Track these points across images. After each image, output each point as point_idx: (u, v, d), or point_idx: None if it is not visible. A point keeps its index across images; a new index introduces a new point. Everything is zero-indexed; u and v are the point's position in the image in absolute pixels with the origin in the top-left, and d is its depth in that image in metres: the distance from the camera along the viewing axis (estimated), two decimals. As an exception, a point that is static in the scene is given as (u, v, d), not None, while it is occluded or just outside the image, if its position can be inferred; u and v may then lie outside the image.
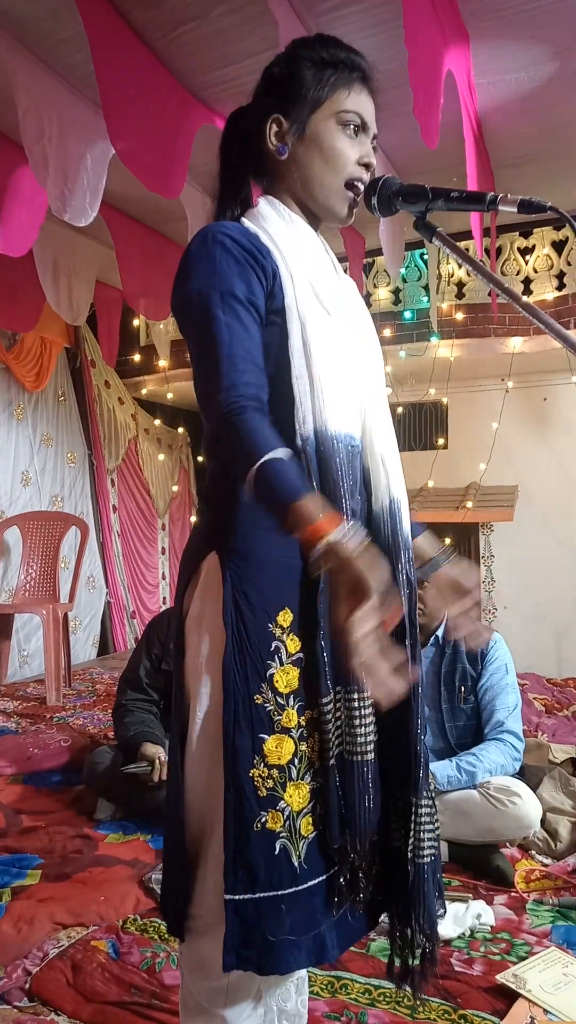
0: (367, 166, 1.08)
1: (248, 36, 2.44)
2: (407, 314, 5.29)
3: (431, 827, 1.05)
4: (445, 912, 1.10)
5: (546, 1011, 1.51)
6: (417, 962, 1.07)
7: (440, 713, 2.45)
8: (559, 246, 4.96)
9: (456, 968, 1.68)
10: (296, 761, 0.97)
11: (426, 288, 5.11)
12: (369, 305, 5.33)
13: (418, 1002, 1.46)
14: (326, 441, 0.98)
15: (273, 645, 0.98)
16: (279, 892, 0.95)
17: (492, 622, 5.60)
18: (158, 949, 1.74)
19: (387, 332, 5.30)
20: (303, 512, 0.83)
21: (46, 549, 4.74)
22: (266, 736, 0.96)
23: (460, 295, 5.18)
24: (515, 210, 1.03)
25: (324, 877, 0.99)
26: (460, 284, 5.19)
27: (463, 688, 2.45)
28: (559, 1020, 1.49)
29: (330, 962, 1.07)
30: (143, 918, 1.88)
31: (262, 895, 0.94)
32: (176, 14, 2.34)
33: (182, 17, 2.36)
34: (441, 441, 5.97)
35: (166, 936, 1.80)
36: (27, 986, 1.59)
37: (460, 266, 5.19)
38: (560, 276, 4.95)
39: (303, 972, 1.24)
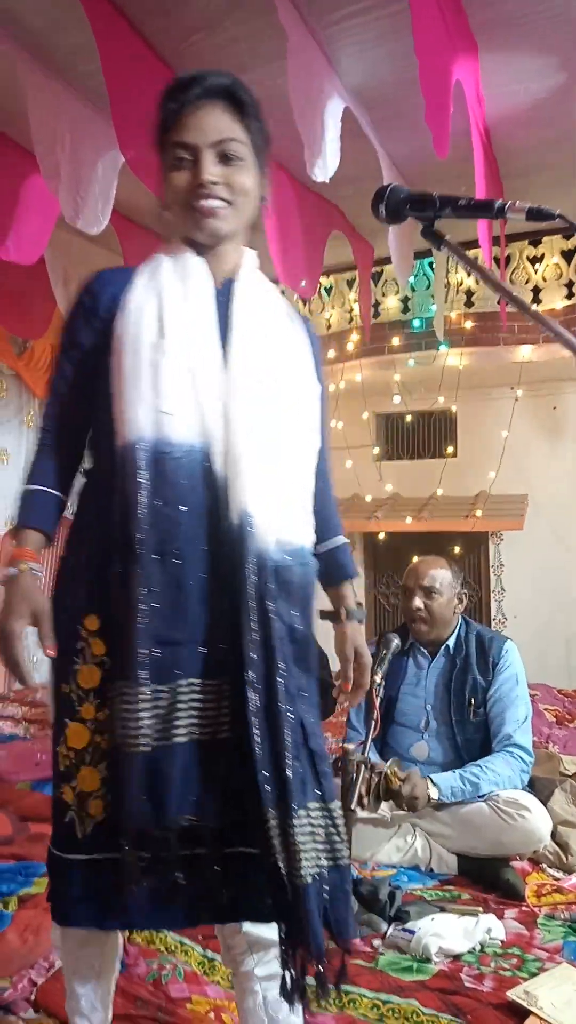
0: (201, 184, 1.11)
1: (258, 46, 2.45)
2: (416, 322, 5.28)
3: (314, 846, 1.04)
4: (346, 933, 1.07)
5: (557, 1029, 1.48)
6: (310, 980, 1.07)
7: (450, 726, 2.42)
8: (568, 255, 4.94)
9: (466, 984, 1.66)
10: (90, 749, 1.10)
11: (435, 297, 5.11)
12: (377, 315, 5.32)
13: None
14: (125, 450, 1.07)
15: (79, 645, 1.12)
16: (63, 855, 1.11)
17: (502, 631, 5.57)
18: (164, 961, 1.72)
19: (396, 341, 5.29)
20: (17, 537, 1.14)
21: (56, 557, 4.73)
22: (69, 722, 1.11)
23: (469, 304, 5.17)
24: (523, 218, 1.02)
25: (107, 856, 1.08)
26: (469, 293, 5.18)
27: (473, 700, 2.41)
28: (570, 1038, 1.46)
29: (114, 929, 1.19)
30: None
31: (55, 853, 1.12)
32: (187, 23, 2.36)
33: (193, 26, 2.37)
34: (450, 449, 5.95)
35: (172, 948, 1.78)
36: (33, 997, 1.58)
37: (469, 274, 5.18)
38: (569, 285, 4.93)
39: None
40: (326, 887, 1.05)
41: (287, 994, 1.09)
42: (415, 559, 2.65)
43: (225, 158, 1.11)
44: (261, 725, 1.03)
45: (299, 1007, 1.21)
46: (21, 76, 2.45)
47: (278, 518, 1.10)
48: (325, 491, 1.28)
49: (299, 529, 1.14)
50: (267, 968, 1.17)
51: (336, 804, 1.09)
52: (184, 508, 1.07)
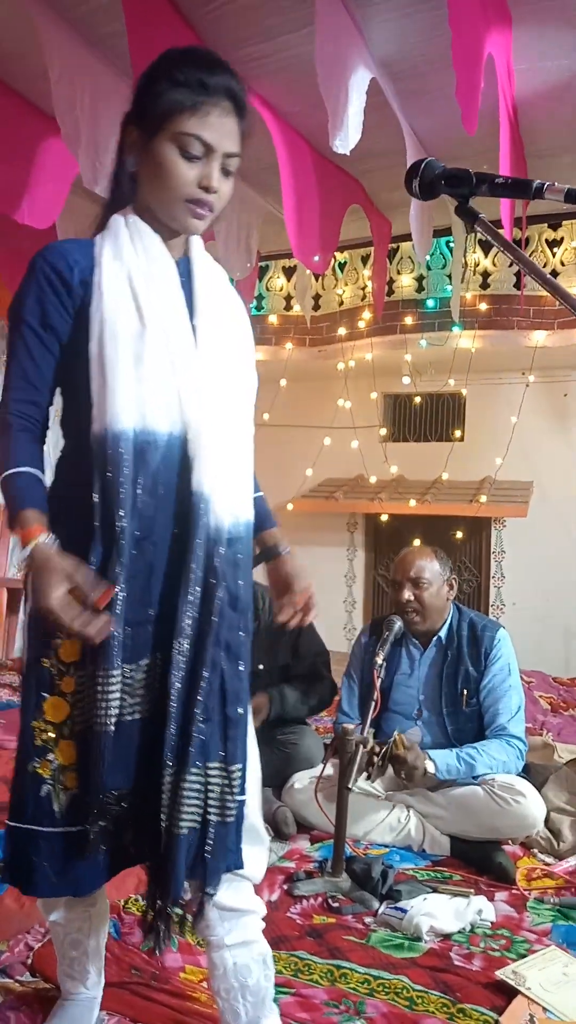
0: (207, 188, 1.12)
1: (285, 11, 2.39)
2: (430, 302, 5.23)
3: (197, 802, 1.11)
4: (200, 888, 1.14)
5: (545, 1009, 1.50)
6: (161, 922, 1.17)
7: (442, 716, 2.43)
8: (588, 239, 4.89)
9: (456, 962, 1.68)
10: (69, 722, 1.13)
11: (450, 277, 5.05)
12: (391, 293, 5.27)
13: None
14: (107, 439, 1.08)
15: None
16: (38, 828, 1.12)
17: (500, 618, 5.58)
18: (159, 929, 1.74)
19: (408, 320, 5.25)
20: (20, 520, 1.08)
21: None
22: (47, 695, 1.13)
23: (485, 285, 5.12)
24: (562, 199, 1.00)
25: (81, 827, 1.12)
26: (485, 274, 5.13)
27: (465, 691, 2.41)
28: (558, 1019, 1.48)
29: (80, 895, 1.18)
30: (144, 898, 1.88)
31: (26, 827, 1.12)
32: (214, -14, 2.30)
33: (219, -11, 2.31)
34: (458, 433, 5.92)
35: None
36: (29, 961, 1.60)
37: (487, 255, 5.12)
38: (587, 270, 4.88)
39: (266, 948, 1.27)
40: (210, 840, 1.12)
41: (146, 930, 1.18)
42: (402, 551, 2.62)
43: (225, 171, 1.14)
44: (181, 691, 1.09)
45: (270, 972, 1.27)
46: (43, 34, 2.39)
47: (234, 494, 1.16)
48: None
49: (248, 503, 1.20)
50: (236, 936, 1.22)
51: (237, 766, 1.14)
52: (162, 492, 1.11)
